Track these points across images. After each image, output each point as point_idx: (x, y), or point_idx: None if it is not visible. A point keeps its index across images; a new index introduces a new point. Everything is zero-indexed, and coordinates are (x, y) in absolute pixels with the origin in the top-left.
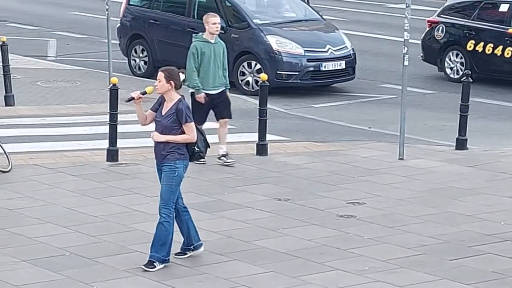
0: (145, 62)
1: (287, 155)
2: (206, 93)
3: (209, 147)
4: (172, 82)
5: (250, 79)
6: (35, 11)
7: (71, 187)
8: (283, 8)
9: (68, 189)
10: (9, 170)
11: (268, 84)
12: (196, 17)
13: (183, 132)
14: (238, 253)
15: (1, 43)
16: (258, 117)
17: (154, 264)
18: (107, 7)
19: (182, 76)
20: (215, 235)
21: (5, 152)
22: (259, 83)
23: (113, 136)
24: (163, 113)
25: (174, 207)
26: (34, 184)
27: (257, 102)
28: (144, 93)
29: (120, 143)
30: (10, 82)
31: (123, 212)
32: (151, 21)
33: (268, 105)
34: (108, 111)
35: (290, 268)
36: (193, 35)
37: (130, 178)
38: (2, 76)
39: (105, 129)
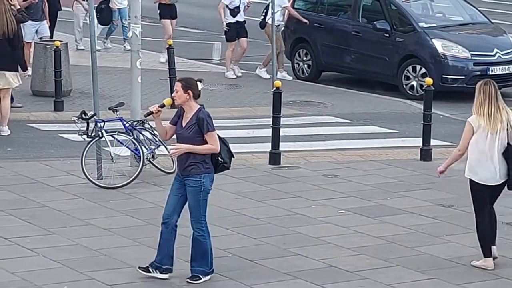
0: (309, 66)
1: None
2: None
3: (233, 157)
4: (190, 91)
5: (414, 83)
6: (199, 14)
7: (233, 189)
8: (449, 11)
9: (231, 191)
10: (174, 171)
11: (433, 88)
12: (361, 21)
13: (206, 143)
14: (400, 258)
15: (168, 46)
16: (422, 122)
17: (200, 276)
18: (271, 10)
19: (200, 85)
20: (377, 240)
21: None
22: (423, 88)
23: (275, 139)
24: (183, 125)
25: (205, 220)
26: None
27: (422, 106)
28: (163, 105)
29: (282, 146)
30: None
31: (284, 215)
32: (315, 24)
33: (433, 110)
34: (271, 114)
35: (454, 276)
36: None
37: (292, 181)
38: (168, 79)
39: (268, 132)
